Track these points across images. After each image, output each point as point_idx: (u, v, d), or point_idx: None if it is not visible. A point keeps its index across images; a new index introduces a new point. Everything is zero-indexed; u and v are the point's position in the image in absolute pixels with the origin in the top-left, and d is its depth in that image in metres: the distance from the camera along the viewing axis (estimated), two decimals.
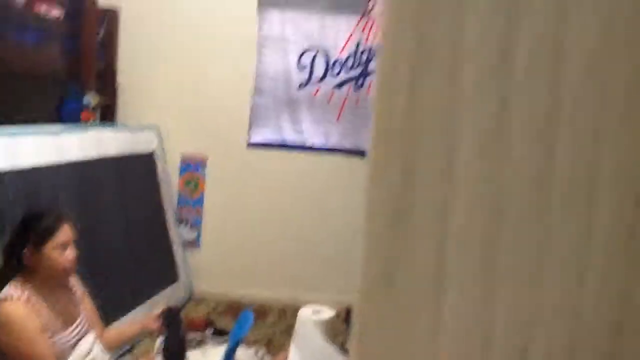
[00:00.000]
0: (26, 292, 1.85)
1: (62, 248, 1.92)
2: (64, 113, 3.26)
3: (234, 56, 3.81)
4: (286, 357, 2.29)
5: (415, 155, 0.62)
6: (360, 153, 3.85)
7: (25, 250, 1.87)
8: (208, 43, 3.80)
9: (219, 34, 3.80)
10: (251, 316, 2.33)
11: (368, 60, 3.79)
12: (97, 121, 3.46)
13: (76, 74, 3.30)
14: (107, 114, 3.66)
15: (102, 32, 3.62)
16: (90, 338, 2.03)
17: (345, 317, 3.52)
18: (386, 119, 0.62)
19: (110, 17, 3.68)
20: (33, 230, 1.90)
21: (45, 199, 2.56)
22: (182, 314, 2.33)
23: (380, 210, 0.65)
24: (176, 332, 2.15)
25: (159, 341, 2.13)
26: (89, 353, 2.00)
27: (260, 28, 3.78)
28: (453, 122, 0.61)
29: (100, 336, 2.12)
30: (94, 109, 3.38)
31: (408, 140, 0.62)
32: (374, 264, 0.66)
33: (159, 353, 2.11)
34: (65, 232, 1.94)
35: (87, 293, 2.17)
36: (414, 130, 0.62)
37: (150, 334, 2.24)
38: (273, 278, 3.93)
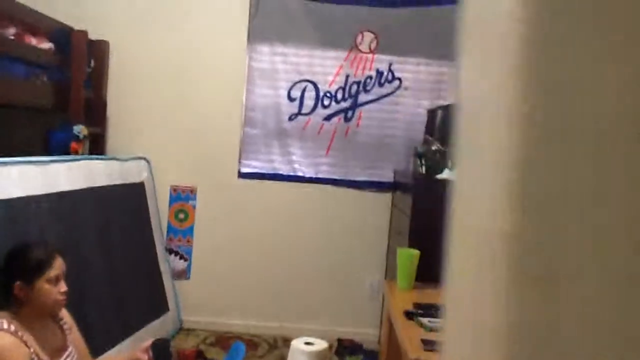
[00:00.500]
0: (14, 324, 1.83)
1: (54, 282, 1.91)
2: (53, 144, 3.27)
3: (224, 88, 3.86)
4: None
5: None
6: (350, 184, 3.88)
7: (16, 284, 1.84)
8: (198, 74, 3.85)
9: (208, 65, 3.85)
10: (243, 348, 2.31)
11: (357, 93, 3.85)
12: (86, 152, 3.45)
13: (65, 105, 3.32)
14: (97, 145, 3.66)
15: (91, 63, 3.65)
16: None
17: (337, 348, 3.51)
18: None
19: (100, 49, 3.71)
20: (24, 263, 1.88)
21: (33, 230, 2.53)
22: (172, 346, 2.29)
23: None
24: None
25: None
26: None
27: (250, 61, 3.84)
28: None
29: None
30: (82, 139, 3.38)
31: None
32: None
33: None
34: (57, 266, 1.93)
35: (75, 324, 2.14)
36: None
37: None
38: (263, 309, 3.90)
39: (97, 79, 3.73)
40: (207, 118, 3.86)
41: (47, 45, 3.17)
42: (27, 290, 1.86)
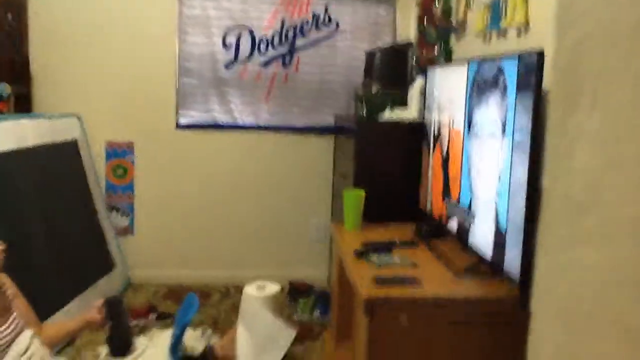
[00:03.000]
0: None
1: None
2: None
3: (156, 37, 3.71)
4: (234, 335, 2.31)
5: None
6: (291, 130, 3.86)
7: None
8: (127, 26, 3.68)
9: (137, 15, 3.68)
10: (196, 298, 2.32)
11: (294, 38, 3.79)
12: (12, 112, 3.28)
13: None
14: (22, 104, 3.48)
15: (9, 19, 3.42)
16: (27, 335, 1.97)
17: (289, 291, 3.58)
18: None
19: (17, 4, 3.48)
20: None
21: None
22: (124, 302, 2.28)
23: None
24: (120, 320, 2.12)
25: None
26: (27, 350, 1.93)
27: (181, 7, 3.69)
28: None
29: (38, 333, 2.05)
30: (6, 99, 3.22)
31: None
32: None
33: (105, 343, 2.08)
34: None
35: (18, 290, 2.09)
36: None
37: (93, 326, 2.18)
38: (212, 258, 3.91)
39: (17, 35, 3.51)
40: (140, 70, 3.72)
41: None
42: None
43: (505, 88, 1.87)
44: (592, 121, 0.58)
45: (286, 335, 2.19)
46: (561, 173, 0.62)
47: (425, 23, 3.23)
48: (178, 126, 3.80)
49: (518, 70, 1.79)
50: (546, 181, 0.64)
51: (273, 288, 2.64)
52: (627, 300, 0.56)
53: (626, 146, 0.55)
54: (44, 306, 2.61)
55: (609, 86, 0.56)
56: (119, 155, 3.79)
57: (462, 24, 2.83)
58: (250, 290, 2.53)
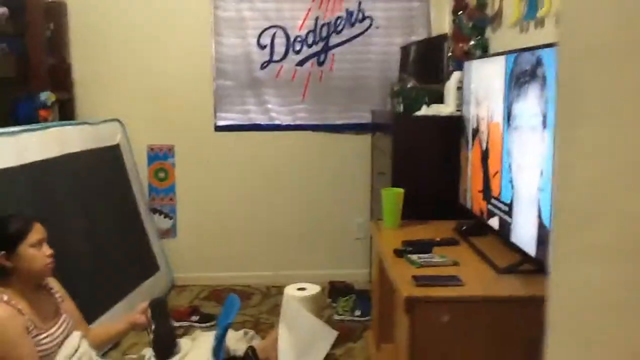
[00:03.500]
0: (6, 295, 1.83)
1: (37, 246, 1.92)
2: (20, 114, 3.18)
3: (191, 41, 3.75)
4: (276, 336, 2.32)
5: None
6: (328, 128, 3.85)
7: (1, 254, 1.85)
8: (163, 29, 3.73)
9: (173, 19, 3.73)
10: (237, 300, 2.34)
11: (328, 36, 3.77)
12: (56, 119, 3.37)
13: (28, 73, 3.21)
14: (66, 111, 3.57)
15: (50, 27, 3.51)
16: (76, 336, 2.03)
17: (329, 291, 3.58)
18: None
19: (57, 11, 3.57)
20: (3, 233, 1.88)
21: (10, 203, 2.49)
22: (168, 304, 2.32)
23: None
24: (164, 322, 2.15)
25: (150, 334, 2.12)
26: (76, 350, 1.99)
27: (216, 11, 3.72)
28: None
29: (86, 334, 2.11)
30: (51, 106, 3.30)
31: None
32: None
33: (150, 344, 2.11)
34: (37, 231, 1.95)
35: (67, 293, 2.15)
36: None
37: (137, 328, 2.22)
38: (253, 259, 3.94)
39: (58, 43, 3.60)
40: (177, 74, 3.77)
41: (0, 10, 3.03)
42: (12, 258, 1.87)
43: (544, 79, 1.82)
44: (597, 132, 0.58)
45: (328, 336, 2.19)
46: (568, 185, 0.62)
47: (459, 15, 3.17)
48: (216, 128, 3.84)
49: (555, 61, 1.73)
50: (555, 193, 0.63)
51: (313, 289, 2.65)
52: (633, 321, 0.56)
53: (632, 158, 0.55)
54: (90, 309, 2.68)
55: (614, 99, 0.56)
56: (160, 158, 3.86)
57: (498, 15, 2.76)
58: (290, 291, 2.53)
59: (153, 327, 2.13)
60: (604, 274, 0.58)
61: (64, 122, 3.35)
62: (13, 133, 2.66)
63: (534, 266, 1.92)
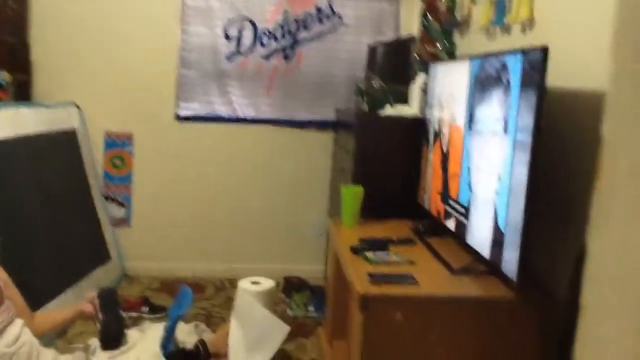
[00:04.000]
0: None
1: None
2: None
3: (157, 28, 3.67)
4: (227, 330, 2.28)
5: None
6: (291, 124, 3.83)
7: None
8: (128, 15, 3.64)
9: (139, 4, 3.64)
10: (190, 292, 2.30)
11: (297, 31, 3.75)
12: (11, 100, 3.25)
13: None
14: (22, 92, 3.45)
15: (11, 5, 3.39)
16: (17, 324, 1.95)
17: (284, 286, 3.56)
18: None
19: None
20: None
21: None
22: (118, 294, 2.25)
23: None
24: (113, 312, 2.09)
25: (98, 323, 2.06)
26: (17, 339, 1.91)
27: None
28: None
29: (29, 322, 2.03)
30: (6, 87, 3.19)
31: None
32: None
33: (97, 334, 2.05)
34: None
35: (10, 279, 2.06)
36: None
37: (85, 317, 2.16)
38: (208, 252, 3.89)
39: (18, 22, 3.48)
40: (141, 60, 3.68)
41: None
42: None
43: (508, 85, 1.84)
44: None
45: (279, 331, 2.16)
46: (627, 128, 0.56)
47: (429, 18, 3.19)
48: (178, 118, 3.77)
49: (522, 67, 1.75)
50: (606, 132, 0.59)
51: (267, 283, 2.62)
52: None
53: None
54: (37, 295, 2.60)
55: None
56: (118, 145, 3.77)
57: (466, 20, 2.79)
58: (244, 284, 2.50)
59: (101, 316, 2.07)
60: None
61: (19, 102, 3.24)
62: None
63: (487, 268, 1.94)
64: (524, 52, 1.75)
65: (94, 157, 3.68)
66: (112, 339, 2.08)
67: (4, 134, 2.81)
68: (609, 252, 0.59)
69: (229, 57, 3.73)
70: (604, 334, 0.60)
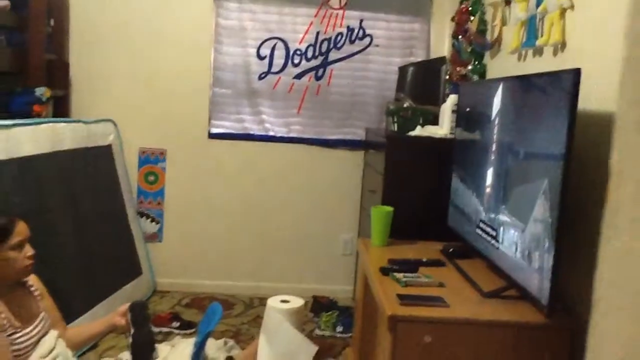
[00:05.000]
0: None
1: (18, 248, 1.88)
2: (13, 108, 3.15)
3: (191, 47, 3.76)
4: (255, 348, 2.29)
5: None
6: (322, 143, 3.86)
7: None
8: (164, 34, 3.73)
9: (175, 24, 3.74)
10: (220, 308, 2.32)
11: (328, 51, 3.79)
12: (50, 115, 3.35)
13: (25, 67, 3.20)
14: (60, 108, 3.55)
15: (51, 23, 3.51)
16: (52, 336, 1.99)
17: (312, 306, 3.56)
18: None
19: (59, 7, 3.57)
20: None
21: None
22: (148, 308, 2.29)
23: None
24: (144, 327, 2.12)
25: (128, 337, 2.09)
26: (51, 351, 1.96)
27: (217, 18, 3.73)
28: None
29: (63, 334, 2.08)
30: (45, 102, 3.28)
31: None
32: None
33: (128, 348, 2.08)
34: (19, 232, 1.90)
35: (46, 291, 2.12)
36: None
37: (117, 331, 2.19)
38: (237, 269, 3.91)
39: (58, 39, 3.60)
40: (175, 78, 3.77)
41: (2, 2, 3.02)
42: None
43: (540, 108, 1.83)
44: None
45: (307, 350, 2.16)
46: (633, 155, 0.62)
47: (459, 39, 3.20)
48: (210, 136, 3.83)
49: (553, 90, 1.74)
50: (615, 162, 0.65)
51: (296, 302, 2.62)
52: None
53: None
54: (70, 308, 2.66)
55: None
56: (151, 161, 3.84)
57: (497, 41, 2.79)
58: (273, 303, 2.50)
59: (132, 330, 2.10)
60: None
61: (57, 118, 3.34)
62: (6, 126, 2.64)
63: (517, 292, 1.92)
64: (556, 74, 1.75)
65: (128, 173, 3.76)
66: (143, 353, 2.11)
67: (42, 148, 2.88)
68: (613, 260, 0.67)
69: (261, 76, 3.79)
70: (607, 326, 0.67)
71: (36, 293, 2.05)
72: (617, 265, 0.65)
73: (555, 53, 2.15)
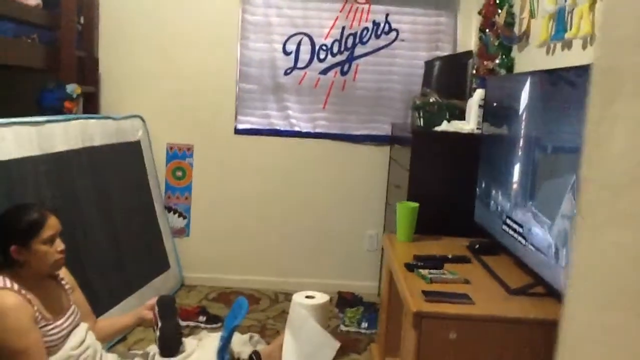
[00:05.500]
0: (16, 284, 1.84)
1: (49, 242, 1.91)
2: (45, 104, 3.22)
3: (218, 42, 3.78)
4: (281, 342, 2.30)
5: None
6: (347, 138, 3.85)
7: (12, 248, 1.84)
8: (191, 29, 3.77)
9: (201, 20, 3.76)
10: (246, 303, 2.33)
11: (353, 46, 3.78)
12: (80, 111, 3.41)
13: (56, 64, 3.26)
14: (90, 104, 3.62)
15: (81, 21, 3.57)
16: (82, 328, 2.03)
17: (337, 301, 3.56)
18: None
19: (89, 5, 3.62)
20: (17, 226, 1.87)
21: (30, 192, 2.53)
22: (176, 302, 2.32)
23: None
24: (171, 320, 2.15)
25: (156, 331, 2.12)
26: (82, 343, 1.99)
27: (244, 14, 3.75)
28: None
29: (92, 327, 2.11)
30: (76, 99, 3.34)
31: None
32: None
33: (155, 342, 2.11)
34: (51, 226, 1.92)
35: (77, 284, 2.16)
36: None
37: (145, 324, 2.23)
38: (263, 264, 3.94)
39: (88, 36, 3.65)
40: (201, 74, 3.80)
41: (34, 1, 3.08)
42: (24, 252, 1.86)
43: (569, 101, 1.80)
44: (632, 107, 0.65)
45: (330, 346, 2.17)
46: (599, 160, 0.69)
47: (486, 33, 3.16)
48: (236, 131, 3.85)
49: (584, 83, 1.71)
50: (584, 169, 0.71)
51: (322, 298, 2.63)
52: None
53: None
54: (100, 301, 2.71)
55: None
56: (179, 157, 3.89)
57: (525, 35, 2.75)
58: (298, 298, 2.52)
59: (159, 324, 2.13)
60: (635, 239, 0.64)
61: (87, 115, 3.40)
62: (37, 123, 2.70)
63: (544, 289, 1.89)
64: (586, 68, 1.71)
65: (157, 168, 3.81)
66: (170, 346, 2.14)
67: (72, 144, 2.93)
68: (581, 259, 0.73)
69: (287, 72, 3.80)
70: (577, 312, 0.76)
71: (67, 286, 2.08)
72: (585, 258, 0.73)
73: (584, 46, 2.11)
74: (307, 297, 2.69)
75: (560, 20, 2.27)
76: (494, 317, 1.81)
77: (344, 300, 3.56)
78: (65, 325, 1.95)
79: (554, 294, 1.82)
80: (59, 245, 1.95)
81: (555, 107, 1.90)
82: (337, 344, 2.18)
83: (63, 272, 2.09)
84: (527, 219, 2.05)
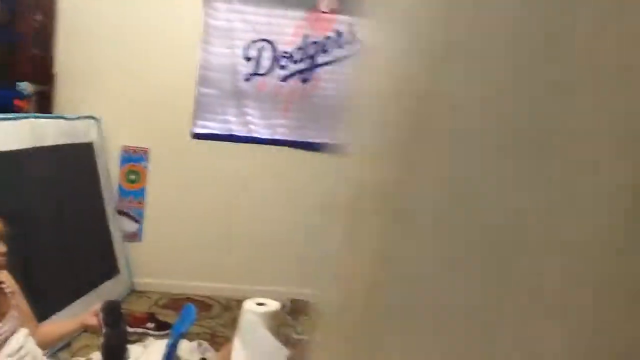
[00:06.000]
0: None
1: None
2: None
3: (178, 46, 3.73)
4: (230, 350, 2.27)
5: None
6: (307, 146, 3.85)
7: None
8: (151, 32, 3.71)
9: (163, 22, 3.71)
10: (193, 310, 2.30)
11: (315, 54, 3.79)
12: (32, 111, 3.32)
13: (11, 61, 3.17)
14: (43, 104, 3.52)
15: (38, 18, 3.48)
16: (21, 334, 1.96)
17: (290, 309, 3.54)
18: None
19: (47, 3, 3.53)
20: None
21: None
22: (124, 308, 2.26)
23: None
24: (117, 326, 2.09)
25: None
26: (20, 349, 1.92)
27: (206, 18, 3.72)
28: None
29: (33, 332, 2.04)
30: (28, 97, 3.25)
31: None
32: None
33: (99, 348, 2.05)
34: None
35: (18, 288, 2.08)
36: None
37: (90, 330, 2.16)
38: (216, 271, 3.89)
39: (45, 34, 3.56)
40: (160, 77, 3.74)
41: None
42: None
43: None
44: None
45: (280, 354, 2.15)
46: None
47: None
48: (194, 136, 3.81)
49: None
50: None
51: (273, 305, 2.61)
52: None
53: None
54: (45, 306, 2.62)
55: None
56: (133, 160, 3.81)
57: None
58: (249, 305, 2.49)
59: (104, 330, 2.07)
60: None
61: (39, 114, 3.30)
62: None
63: None
64: None
65: (110, 171, 3.72)
66: (114, 353, 2.08)
67: (23, 144, 2.86)
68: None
69: (247, 78, 3.78)
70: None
71: (7, 290, 2.01)
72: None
73: None
74: (259, 304, 2.66)
75: None
76: None
77: (298, 308, 3.54)
78: (2, 330, 1.89)
79: None
80: (1, 247, 1.89)
81: None
82: (287, 352, 2.16)
83: (4, 276, 2.02)
84: None
